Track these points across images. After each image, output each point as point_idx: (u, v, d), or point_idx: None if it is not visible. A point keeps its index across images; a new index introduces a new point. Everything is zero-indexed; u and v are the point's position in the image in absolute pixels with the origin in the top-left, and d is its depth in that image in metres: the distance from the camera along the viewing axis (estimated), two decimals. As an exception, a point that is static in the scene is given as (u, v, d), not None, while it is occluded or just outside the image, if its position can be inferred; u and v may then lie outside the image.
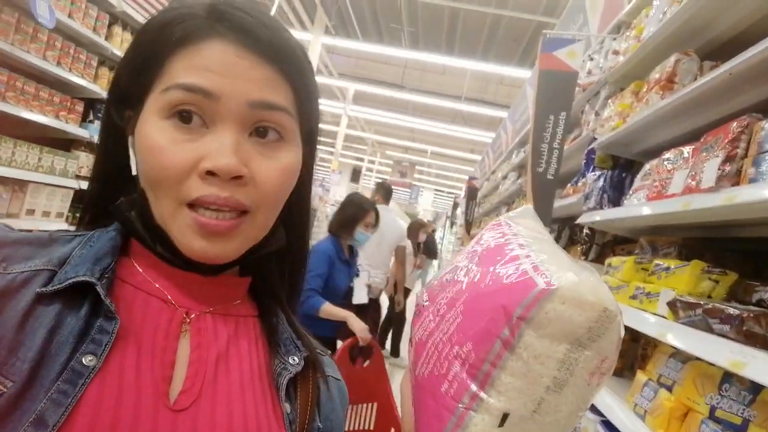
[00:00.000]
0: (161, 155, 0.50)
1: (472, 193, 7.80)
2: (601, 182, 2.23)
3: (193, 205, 0.51)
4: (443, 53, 10.25)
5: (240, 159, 0.50)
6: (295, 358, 0.59)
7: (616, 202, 2.16)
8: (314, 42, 8.99)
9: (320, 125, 0.63)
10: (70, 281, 0.49)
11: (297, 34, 7.88)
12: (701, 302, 1.32)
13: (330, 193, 12.19)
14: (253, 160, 0.52)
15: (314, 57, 9.03)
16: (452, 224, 12.60)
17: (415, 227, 6.82)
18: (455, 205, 12.96)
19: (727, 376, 1.25)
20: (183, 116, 0.50)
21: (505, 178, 5.77)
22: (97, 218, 0.60)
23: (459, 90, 11.67)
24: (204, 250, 0.51)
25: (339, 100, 13.56)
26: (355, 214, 3.07)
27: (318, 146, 0.64)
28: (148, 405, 0.48)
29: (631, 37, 2.23)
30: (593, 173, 2.37)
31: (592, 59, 2.76)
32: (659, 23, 1.89)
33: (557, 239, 3.19)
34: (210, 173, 0.50)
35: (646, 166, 1.91)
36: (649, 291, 1.64)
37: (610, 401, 1.66)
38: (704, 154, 1.47)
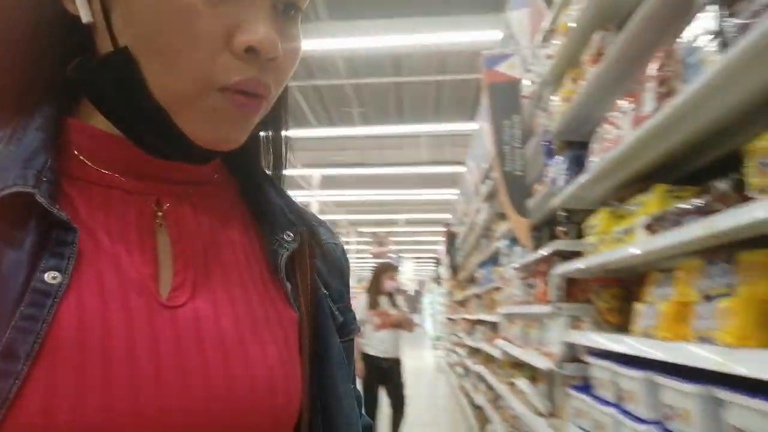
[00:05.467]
0: (194, 19, 0.40)
1: (451, 240, 8.01)
2: (564, 164, 2.44)
3: (224, 89, 0.43)
4: (395, 124, 10.82)
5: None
6: (290, 234, 0.53)
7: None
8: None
9: None
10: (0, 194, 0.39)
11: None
12: (670, 210, 1.49)
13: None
14: (278, 38, 0.44)
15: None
16: (439, 283, 12.68)
17: (376, 273, 4.89)
18: (437, 262, 13.09)
19: (711, 262, 1.39)
20: None
21: (477, 212, 5.99)
22: (24, 98, 0.46)
23: (418, 157, 12.21)
24: (227, 134, 0.45)
25: (305, 188, 13.97)
26: None
27: None
28: (140, 307, 0.42)
29: (557, 35, 2.54)
30: (555, 159, 2.58)
31: (530, 71, 3.08)
32: (579, 12, 2.19)
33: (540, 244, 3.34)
34: (249, 50, 0.42)
35: (598, 131, 2.13)
36: (626, 227, 1.79)
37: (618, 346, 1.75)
38: (643, 93, 1.69)
